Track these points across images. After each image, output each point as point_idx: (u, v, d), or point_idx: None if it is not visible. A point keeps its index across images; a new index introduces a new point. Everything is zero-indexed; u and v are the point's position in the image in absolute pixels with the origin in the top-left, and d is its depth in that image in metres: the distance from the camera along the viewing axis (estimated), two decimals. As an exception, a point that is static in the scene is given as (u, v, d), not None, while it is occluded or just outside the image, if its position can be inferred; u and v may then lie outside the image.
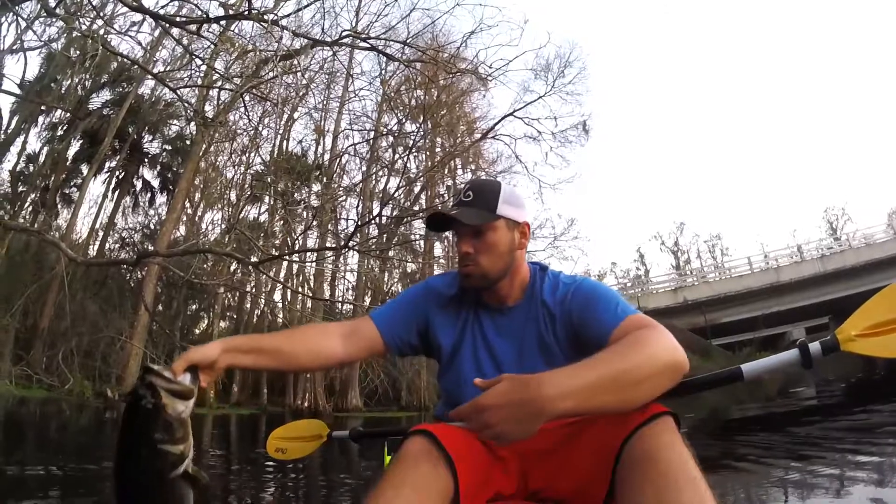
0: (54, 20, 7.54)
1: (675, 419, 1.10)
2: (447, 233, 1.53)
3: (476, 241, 1.38)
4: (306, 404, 19.21)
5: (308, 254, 15.81)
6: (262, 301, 20.35)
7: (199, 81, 12.11)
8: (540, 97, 20.64)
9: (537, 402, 0.93)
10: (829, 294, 24.00)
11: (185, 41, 7.35)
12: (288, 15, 6.83)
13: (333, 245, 10.46)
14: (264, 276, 14.02)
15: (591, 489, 1.11)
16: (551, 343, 1.35)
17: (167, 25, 6.82)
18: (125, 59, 8.34)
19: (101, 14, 8.83)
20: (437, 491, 1.06)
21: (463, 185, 1.48)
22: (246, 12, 5.62)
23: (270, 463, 5.87)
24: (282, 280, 18.93)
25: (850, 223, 36.28)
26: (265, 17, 6.31)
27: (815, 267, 24.63)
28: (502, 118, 20.81)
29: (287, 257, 12.55)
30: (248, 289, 19.30)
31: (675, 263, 31.82)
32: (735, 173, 72.22)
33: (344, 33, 9.14)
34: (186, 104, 10.79)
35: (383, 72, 19.69)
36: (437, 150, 23.92)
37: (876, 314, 1.15)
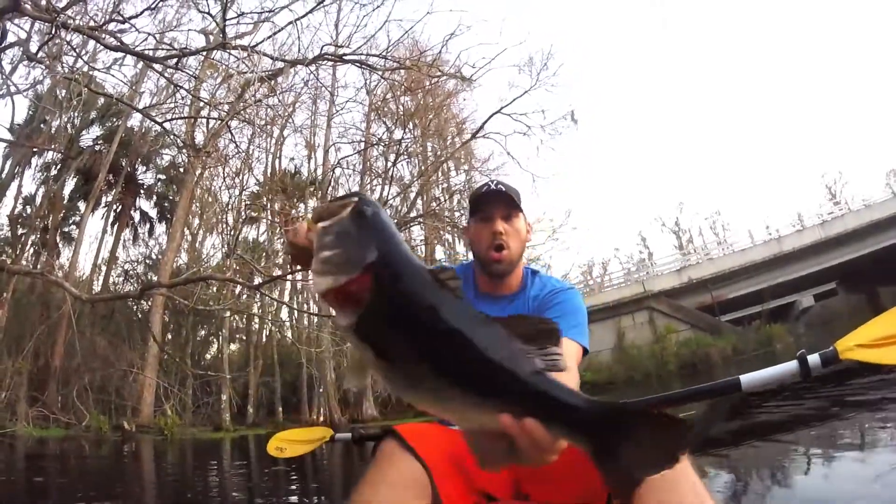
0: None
1: None
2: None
3: (507, 225, 1.52)
4: (322, 418, 19.22)
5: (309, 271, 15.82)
6: (269, 321, 20.37)
7: (187, 109, 12.17)
8: (525, 92, 20.68)
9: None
10: (833, 259, 23.92)
11: (167, 73, 7.42)
12: (264, 40, 6.94)
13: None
14: (269, 296, 14.08)
15: (589, 497, 1.16)
16: None
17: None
18: (110, 97, 8.39)
19: (84, 53, 8.93)
20: (414, 488, 1.13)
21: (485, 182, 1.63)
22: (221, 43, 5.72)
23: (294, 476, 5.95)
24: (285, 301, 19.02)
25: (848, 187, 36.22)
26: (241, 45, 6.40)
27: (817, 233, 24.52)
28: (490, 116, 20.80)
29: (288, 277, 12.59)
30: (254, 310, 19.37)
31: (677, 244, 31.66)
32: (729, 147, 71.75)
33: (324, 48, 9.26)
34: (174, 136, 10.89)
35: (368, 82, 19.71)
36: (429, 154, 23.96)
37: (874, 332, 1.19)
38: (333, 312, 0.72)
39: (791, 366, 1.24)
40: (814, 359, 1.21)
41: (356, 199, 0.75)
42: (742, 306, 23.59)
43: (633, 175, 71.04)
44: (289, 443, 2.41)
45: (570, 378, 1.21)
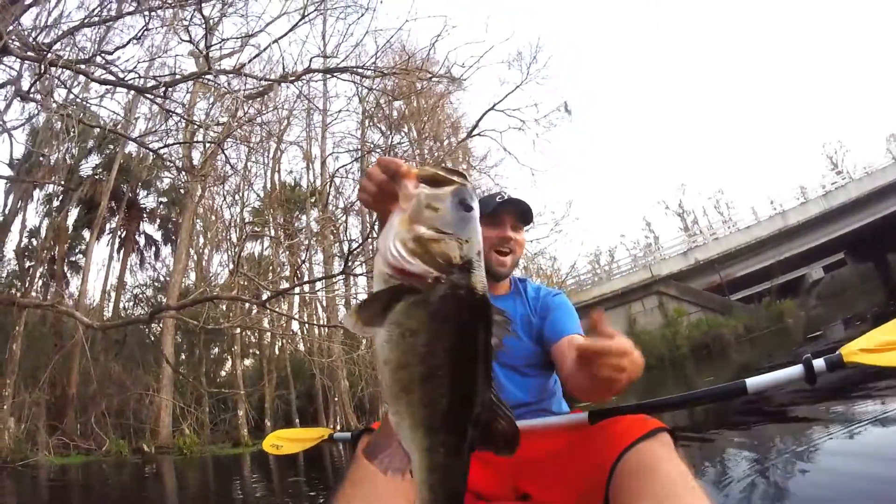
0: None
1: (671, 435, 1.20)
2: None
3: (514, 233, 1.65)
4: (338, 426, 19.26)
5: (316, 282, 15.98)
6: (280, 335, 20.44)
7: (181, 132, 12.27)
8: (517, 87, 20.73)
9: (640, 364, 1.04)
10: (839, 229, 23.78)
11: (158, 100, 7.50)
12: (251, 59, 7.00)
13: (340, 268, 10.54)
14: (276, 311, 14.13)
15: (585, 500, 1.17)
16: (535, 324, 1.63)
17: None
18: (103, 129, 8.48)
19: (76, 84, 9.03)
20: (396, 484, 1.10)
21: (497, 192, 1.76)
22: (206, 70, 5.79)
23: (317, 481, 6.00)
24: (292, 315, 19.06)
25: (849, 155, 35.89)
26: (224, 70, 6.47)
27: (821, 205, 24.36)
28: (484, 114, 20.90)
29: (294, 291, 12.66)
30: (265, 325, 19.47)
31: (682, 226, 31.48)
32: (727, 123, 71.63)
33: (313, 59, 9.34)
34: (169, 162, 10.98)
35: (359, 90, 19.82)
36: (427, 156, 23.99)
37: (879, 338, 1.23)
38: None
39: (796, 370, 1.25)
40: (819, 363, 1.22)
41: (463, 182, 0.73)
42: (751, 284, 23.51)
43: (634, 160, 71.07)
44: (285, 441, 2.39)
45: None
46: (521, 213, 1.66)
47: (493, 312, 0.71)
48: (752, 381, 1.31)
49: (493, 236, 1.62)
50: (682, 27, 76.24)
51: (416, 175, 0.74)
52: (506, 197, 1.66)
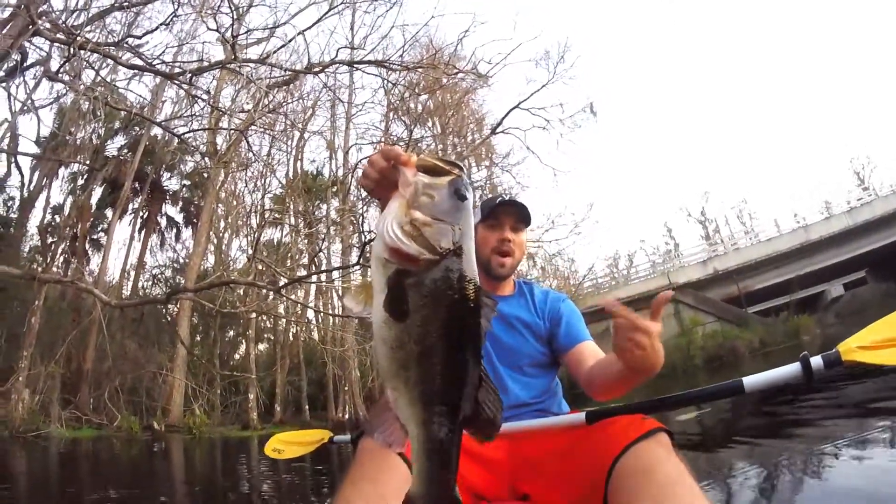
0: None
1: (669, 435, 1.21)
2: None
3: (514, 235, 1.68)
4: (346, 416, 19.39)
5: (332, 271, 16.06)
6: (294, 322, 20.59)
7: (206, 117, 12.38)
8: (543, 86, 20.63)
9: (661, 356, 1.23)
10: (862, 247, 23.26)
11: (185, 86, 7.56)
12: (276, 50, 7.04)
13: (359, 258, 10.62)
14: (291, 299, 14.24)
15: (585, 500, 1.18)
16: (537, 323, 1.66)
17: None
18: (129, 112, 8.58)
19: (105, 65, 9.14)
20: (396, 483, 1.12)
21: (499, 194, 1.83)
22: (230, 59, 5.84)
23: (321, 468, 6.06)
24: (307, 303, 19.19)
25: (877, 171, 35.12)
26: (250, 59, 6.51)
27: (844, 221, 23.83)
28: (509, 111, 20.82)
29: (310, 280, 12.73)
30: (280, 311, 19.62)
31: (703, 234, 31.07)
32: (755, 133, 70.37)
33: (340, 50, 9.36)
34: (193, 148, 11.08)
35: (385, 82, 19.88)
36: (450, 151, 23.98)
37: (875, 335, 1.21)
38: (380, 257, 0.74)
39: (794, 368, 1.23)
40: (816, 361, 1.20)
41: (459, 173, 0.76)
42: (769, 297, 23.15)
43: (658, 165, 70.07)
44: (286, 444, 2.40)
45: None
46: (520, 215, 1.69)
47: (482, 295, 0.74)
48: (750, 380, 1.30)
49: (492, 239, 1.67)
50: (715, 34, 75.26)
51: (415, 164, 0.77)
52: (506, 199, 1.70)
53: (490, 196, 1.83)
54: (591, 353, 1.59)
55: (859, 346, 1.19)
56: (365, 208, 21.63)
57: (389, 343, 0.72)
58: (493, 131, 21.94)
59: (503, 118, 21.10)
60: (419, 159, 0.77)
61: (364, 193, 22.61)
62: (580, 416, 1.39)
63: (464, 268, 0.73)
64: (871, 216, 23.33)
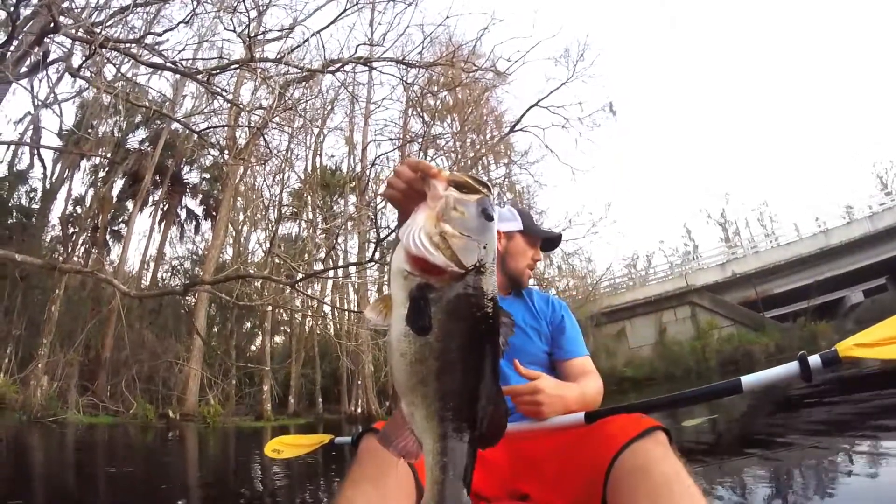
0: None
1: (667, 434, 1.22)
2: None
3: (540, 255, 1.91)
4: (360, 410, 19.50)
5: (348, 267, 16.18)
6: (310, 315, 20.72)
7: (225, 112, 12.50)
8: (562, 84, 20.49)
9: (563, 402, 1.41)
10: (883, 253, 22.71)
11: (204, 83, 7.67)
12: (294, 48, 7.11)
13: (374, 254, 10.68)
14: (306, 293, 14.32)
15: (584, 500, 1.18)
16: (540, 325, 1.74)
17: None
18: (150, 108, 8.69)
19: (126, 61, 9.26)
20: (397, 484, 1.13)
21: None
22: (249, 58, 5.91)
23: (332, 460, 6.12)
24: (322, 298, 19.27)
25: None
26: (267, 58, 6.59)
27: (865, 226, 23.33)
28: (528, 109, 20.73)
29: (325, 275, 12.82)
30: (297, 304, 19.73)
31: (723, 236, 30.64)
32: (778, 135, 69.28)
33: (359, 47, 9.42)
34: (211, 144, 11.21)
35: (404, 78, 19.92)
36: (468, 148, 23.92)
37: (875, 335, 1.22)
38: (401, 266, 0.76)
39: (791, 367, 1.21)
40: (814, 359, 1.18)
41: (488, 193, 0.78)
42: (787, 302, 22.82)
43: (679, 166, 69.40)
44: (286, 446, 2.40)
45: (596, 382, 1.63)
46: (550, 243, 1.96)
47: (501, 314, 0.76)
48: (748, 379, 1.28)
49: (530, 254, 1.86)
50: (740, 34, 74.13)
51: (446, 178, 0.79)
52: (555, 233, 1.98)
53: (521, 209, 1.89)
54: (579, 371, 1.66)
55: (857, 345, 1.19)
56: (383, 204, 21.67)
57: (409, 357, 0.74)
58: (512, 129, 21.87)
59: (522, 116, 21.03)
60: (450, 174, 0.79)
61: (382, 189, 22.73)
62: (579, 415, 1.39)
63: (487, 285, 0.75)
64: (893, 222, 22.85)
